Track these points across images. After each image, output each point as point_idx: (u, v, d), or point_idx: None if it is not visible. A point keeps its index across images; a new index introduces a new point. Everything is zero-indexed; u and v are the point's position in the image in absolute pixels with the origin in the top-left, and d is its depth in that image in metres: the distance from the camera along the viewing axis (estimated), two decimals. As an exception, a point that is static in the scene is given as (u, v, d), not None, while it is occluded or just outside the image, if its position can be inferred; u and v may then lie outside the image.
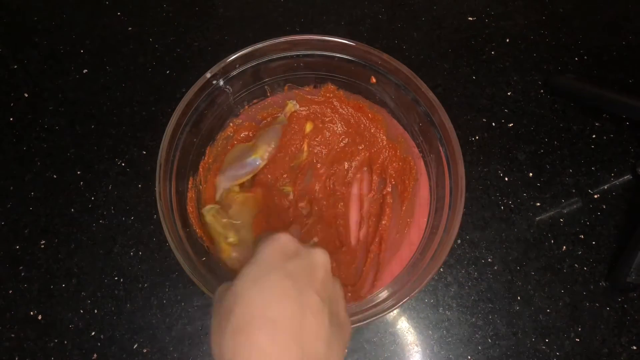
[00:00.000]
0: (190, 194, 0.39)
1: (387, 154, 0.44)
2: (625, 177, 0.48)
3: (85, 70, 0.53)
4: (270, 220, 0.40)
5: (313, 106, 0.45)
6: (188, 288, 0.43)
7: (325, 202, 0.43)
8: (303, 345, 0.20)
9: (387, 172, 0.44)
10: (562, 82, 0.52)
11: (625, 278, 0.42)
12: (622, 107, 0.49)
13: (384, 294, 0.37)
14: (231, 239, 0.36)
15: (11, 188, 0.47)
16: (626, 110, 0.49)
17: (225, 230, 0.36)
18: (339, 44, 0.40)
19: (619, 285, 0.43)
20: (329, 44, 0.40)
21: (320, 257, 0.25)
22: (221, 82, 0.40)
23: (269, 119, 0.44)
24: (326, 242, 0.41)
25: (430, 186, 0.41)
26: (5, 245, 0.44)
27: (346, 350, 0.26)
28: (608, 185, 0.48)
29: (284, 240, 0.25)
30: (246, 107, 0.44)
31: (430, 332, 0.42)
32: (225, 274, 0.37)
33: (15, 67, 0.53)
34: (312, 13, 0.56)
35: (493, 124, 0.50)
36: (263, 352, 0.19)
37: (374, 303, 0.36)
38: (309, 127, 0.44)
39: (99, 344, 0.41)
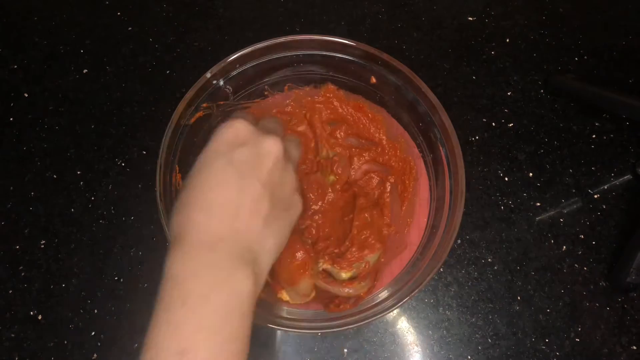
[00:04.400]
0: None
1: (387, 154, 0.44)
2: (625, 177, 0.48)
3: (85, 70, 0.53)
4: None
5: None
6: (188, 288, 0.43)
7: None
8: (236, 222, 0.23)
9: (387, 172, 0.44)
10: (562, 82, 0.52)
11: (626, 278, 0.42)
12: (622, 107, 0.49)
13: (384, 294, 0.37)
14: None
15: (11, 188, 0.47)
16: (626, 110, 0.49)
17: None
18: (339, 44, 0.40)
19: (619, 285, 0.43)
20: (329, 44, 0.40)
21: (269, 146, 0.26)
22: (221, 82, 0.40)
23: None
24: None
25: (430, 186, 0.41)
26: (5, 245, 0.44)
27: (289, 230, 0.28)
28: (608, 185, 0.48)
29: (236, 127, 0.26)
30: (246, 107, 0.43)
31: (430, 332, 0.42)
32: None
33: (15, 67, 0.53)
34: (312, 13, 0.56)
35: (493, 124, 0.50)
36: (198, 226, 0.23)
37: (374, 303, 0.36)
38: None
39: (99, 344, 0.41)
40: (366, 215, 0.39)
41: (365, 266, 0.38)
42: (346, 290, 0.36)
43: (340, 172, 0.43)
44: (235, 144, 0.26)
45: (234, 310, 0.22)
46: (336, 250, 0.38)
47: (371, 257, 0.38)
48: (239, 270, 0.22)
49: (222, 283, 0.22)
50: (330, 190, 0.41)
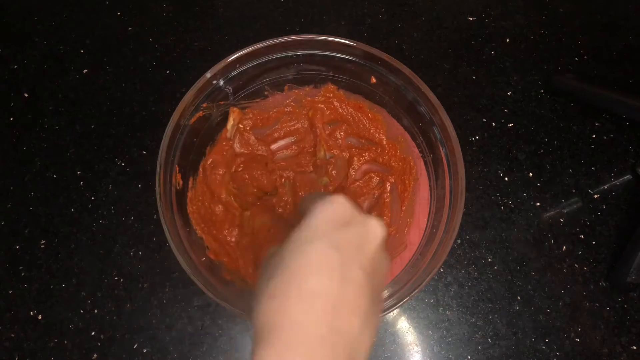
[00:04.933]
0: (190, 194, 0.40)
1: (387, 154, 0.44)
2: (625, 177, 0.48)
3: (85, 70, 0.53)
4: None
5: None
6: (188, 288, 0.43)
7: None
8: (337, 320, 0.19)
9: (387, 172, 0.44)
10: (563, 82, 0.52)
11: (625, 278, 0.42)
12: (622, 107, 0.49)
13: (384, 294, 0.36)
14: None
15: (11, 188, 0.47)
16: (626, 110, 0.49)
17: None
18: (339, 44, 0.40)
19: (619, 285, 0.43)
20: (329, 44, 0.40)
21: (374, 229, 0.23)
22: (221, 82, 0.40)
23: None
24: None
25: (430, 186, 0.41)
26: (5, 245, 0.44)
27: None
28: (608, 185, 0.48)
29: (338, 205, 0.23)
30: (246, 107, 0.43)
31: (430, 332, 0.42)
32: (224, 275, 0.37)
33: (15, 67, 0.53)
34: (312, 13, 0.56)
35: (493, 124, 0.50)
36: (294, 322, 0.19)
37: None
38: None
39: (99, 344, 0.41)
40: None
41: None
42: None
43: (334, 174, 0.43)
44: (338, 223, 0.22)
45: None
46: None
47: None
48: None
49: None
50: (322, 191, 0.41)
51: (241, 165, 0.43)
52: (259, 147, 0.44)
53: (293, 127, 0.46)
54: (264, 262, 0.23)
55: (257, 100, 0.44)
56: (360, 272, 0.21)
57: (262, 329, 0.20)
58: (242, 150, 0.44)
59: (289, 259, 0.21)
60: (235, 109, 0.42)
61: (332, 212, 0.23)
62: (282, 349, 0.19)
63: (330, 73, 0.43)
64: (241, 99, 0.43)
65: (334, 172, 0.43)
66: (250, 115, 0.44)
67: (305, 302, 0.20)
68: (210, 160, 0.42)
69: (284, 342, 0.19)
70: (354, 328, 0.20)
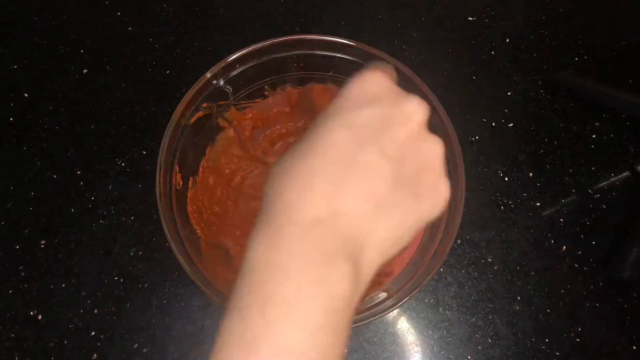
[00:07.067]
0: (190, 194, 0.39)
1: None
2: (625, 175, 0.48)
3: (85, 70, 0.52)
4: None
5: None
6: (188, 288, 0.43)
7: None
8: (340, 201, 0.18)
9: None
10: (563, 77, 0.51)
11: (621, 273, 0.42)
12: (623, 104, 0.48)
13: (384, 294, 0.36)
14: None
15: (11, 188, 0.47)
16: (627, 107, 0.48)
17: None
18: (339, 44, 0.39)
19: (614, 280, 0.43)
20: (329, 44, 0.40)
21: (412, 107, 0.20)
22: (221, 82, 0.39)
23: None
24: None
25: (430, 186, 0.41)
26: (5, 245, 0.44)
27: (415, 227, 0.20)
28: (608, 185, 0.48)
29: (372, 79, 0.20)
30: (246, 107, 0.43)
31: (430, 332, 0.42)
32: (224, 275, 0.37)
33: (15, 67, 0.53)
34: (312, 13, 0.56)
35: (493, 124, 0.50)
36: (290, 201, 0.18)
37: (374, 303, 0.35)
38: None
39: (99, 344, 0.41)
40: None
41: None
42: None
43: None
44: (365, 100, 0.20)
45: (325, 325, 0.16)
46: None
47: None
48: (336, 268, 0.17)
49: (312, 285, 0.16)
50: None
51: (240, 168, 0.43)
52: (258, 149, 0.44)
53: (293, 127, 0.46)
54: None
55: (257, 100, 0.43)
56: (376, 153, 0.18)
57: (261, 214, 0.18)
58: (240, 153, 0.43)
59: (298, 143, 0.19)
60: (232, 111, 0.42)
61: (360, 88, 0.20)
62: (272, 231, 0.17)
63: (331, 73, 0.43)
64: (241, 99, 0.43)
65: None
66: (250, 115, 0.44)
67: (303, 180, 0.18)
68: (210, 160, 0.42)
69: (276, 223, 0.18)
70: (361, 212, 0.18)
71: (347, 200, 0.18)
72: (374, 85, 0.20)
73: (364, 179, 0.18)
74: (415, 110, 0.20)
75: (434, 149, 0.21)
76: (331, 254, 0.17)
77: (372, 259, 0.18)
